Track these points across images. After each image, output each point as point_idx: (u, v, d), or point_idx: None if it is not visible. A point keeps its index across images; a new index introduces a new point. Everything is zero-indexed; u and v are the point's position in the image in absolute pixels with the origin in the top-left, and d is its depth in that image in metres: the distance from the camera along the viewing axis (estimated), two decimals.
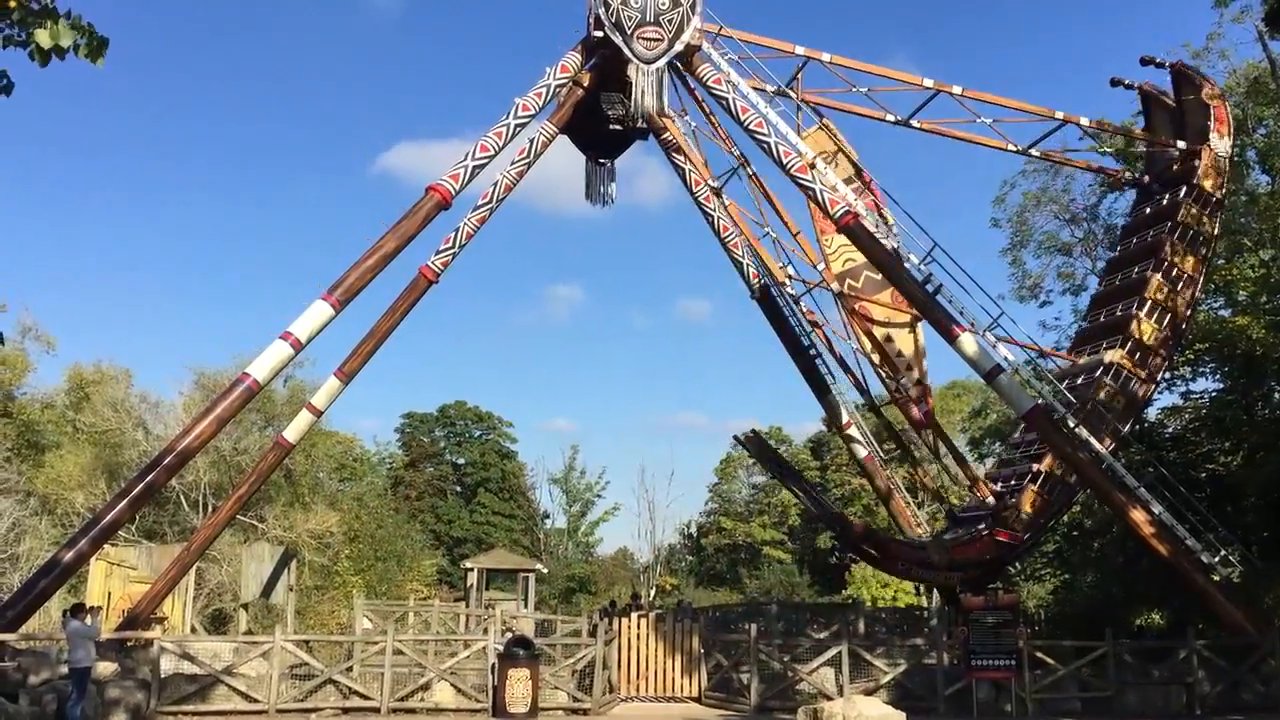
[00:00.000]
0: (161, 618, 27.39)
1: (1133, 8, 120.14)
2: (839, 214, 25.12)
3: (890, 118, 27.85)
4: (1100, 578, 34.03)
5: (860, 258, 27.88)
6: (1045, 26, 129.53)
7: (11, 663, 20.26)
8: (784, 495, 74.54)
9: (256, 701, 20.65)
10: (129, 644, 22.47)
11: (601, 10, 25.53)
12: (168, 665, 21.01)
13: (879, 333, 28.63)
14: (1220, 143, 28.39)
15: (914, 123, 28.00)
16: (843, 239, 27.29)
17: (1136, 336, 27.29)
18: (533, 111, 25.52)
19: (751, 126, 25.79)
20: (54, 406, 50.68)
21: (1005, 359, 25.29)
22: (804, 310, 29.98)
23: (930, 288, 25.16)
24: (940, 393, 61.27)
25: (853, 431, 32.06)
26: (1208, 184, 28.20)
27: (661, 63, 25.92)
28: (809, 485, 31.76)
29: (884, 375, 28.77)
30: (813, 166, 25.72)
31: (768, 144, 25.65)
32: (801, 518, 73.94)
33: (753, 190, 28.83)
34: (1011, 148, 28.22)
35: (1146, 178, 30.62)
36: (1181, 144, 29.06)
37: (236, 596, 34.52)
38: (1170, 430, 33.71)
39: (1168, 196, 29.21)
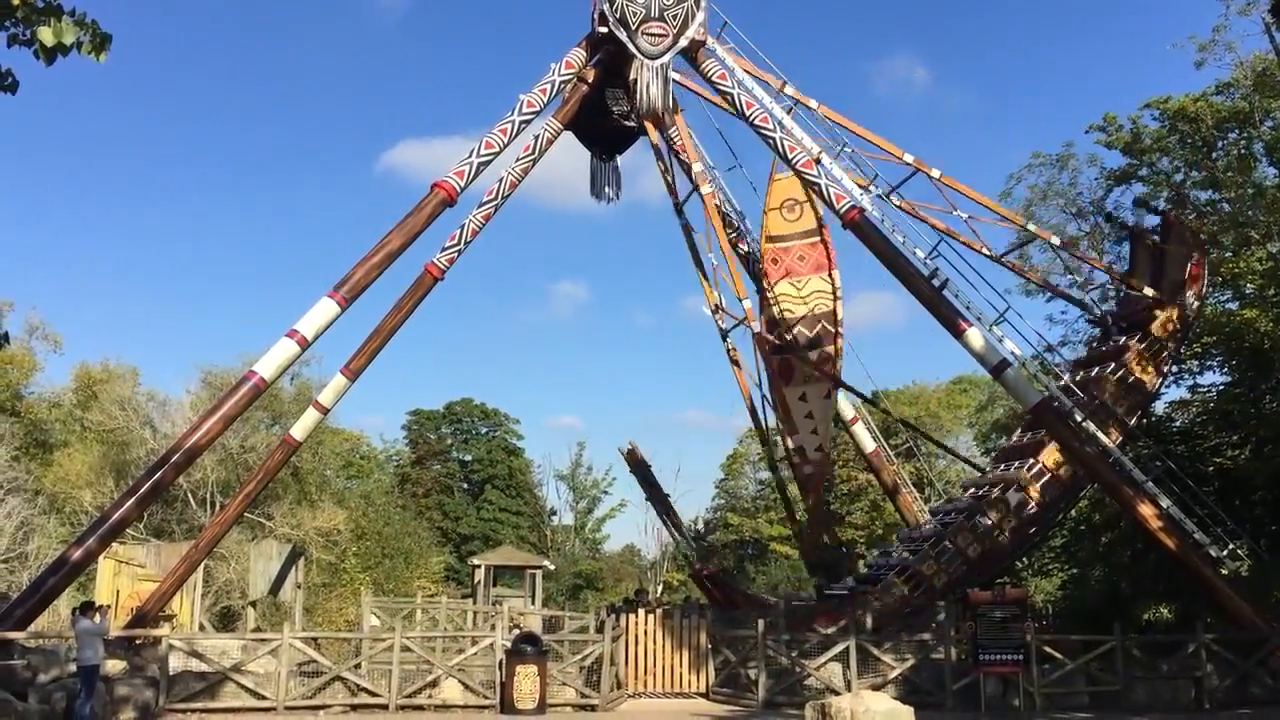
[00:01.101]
0: (170, 615, 27.45)
1: (1144, 2, 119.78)
2: (844, 209, 25.08)
3: (872, 189, 27.64)
4: (1108, 572, 33.96)
5: (796, 310, 28.14)
6: (1053, 22, 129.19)
7: (20, 661, 20.31)
8: (792, 491, 74.60)
9: (265, 699, 20.70)
10: (138, 641, 22.53)
11: (606, 6, 25.50)
12: (176, 663, 21.06)
13: (793, 391, 28.40)
14: (1192, 302, 27.67)
15: (892, 199, 27.86)
16: (786, 287, 27.34)
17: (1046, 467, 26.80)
18: (538, 108, 25.49)
19: (756, 122, 25.75)
20: (61, 405, 50.84)
21: (1012, 353, 25.24)
22: (729, 346, 30.60)
23: (936, 282, 25.11)
24: (946, 388, 61.30)
25: (859, 427, 32.02)
26: (1163, 334, 27.29)
27: (666, 58, 25.88)
28: (673, 512, 31.89)
29: (781, 430, 28.39)
30: (818, 162, 25.67)
31: (773, 139, 25.61)
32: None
33: (707, 213, 29.16)
34: (985, 251, 27.72)
35: (1110, 318, 30.04)
36: (1150, 292, 28.01)
37: (244, 594, 34.62)
38: (1178, 424, 33.63)
39: (1124, 338, 28.47)
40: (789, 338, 28.36)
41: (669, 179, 30.55)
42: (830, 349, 28.51)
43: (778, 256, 28.77)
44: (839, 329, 28.50)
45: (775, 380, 28.29)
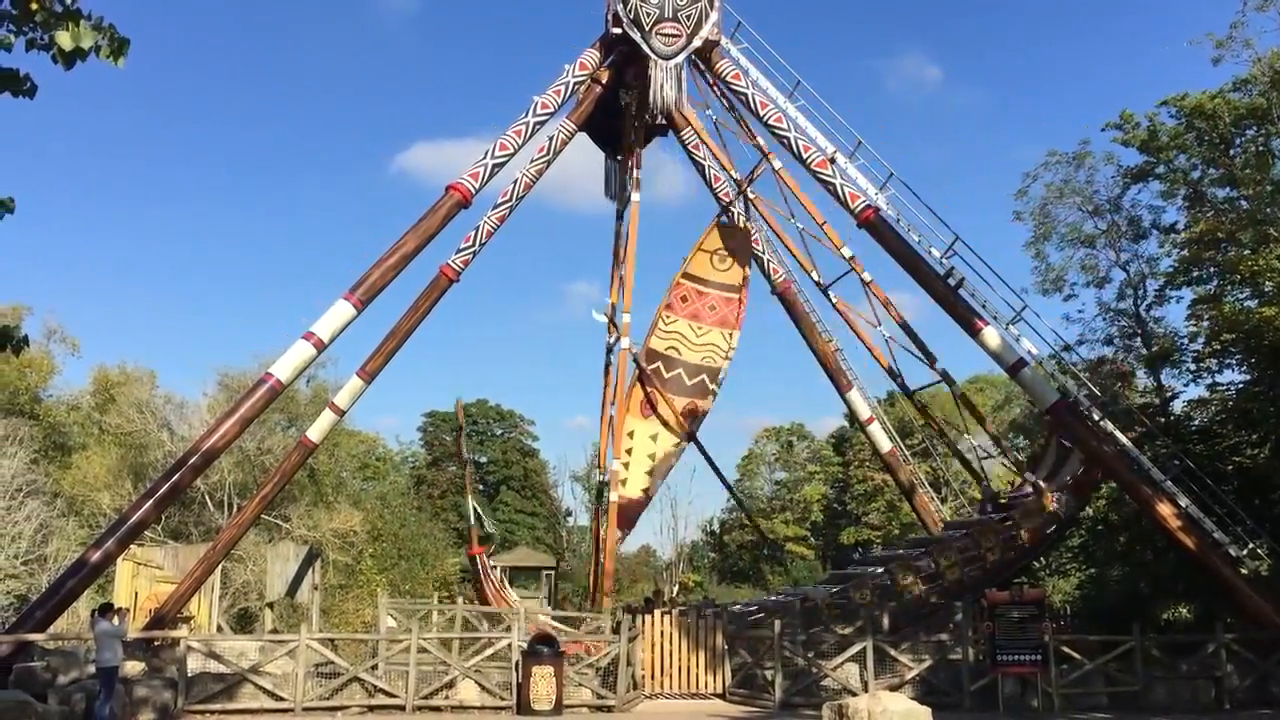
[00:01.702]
0: (188, 617, 27.57)
1: (1163, 3, 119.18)
2: (859, 208, 25.05)
3: (814, 277, 28.35)
4: (1127, 572, 33.78)
5: (683, 353, 28.14)
6: (1065, 20, 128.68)
7: (40, 662, 20.44)
8: (806, 491, 74.55)
9: (283, 700, 20.75)
10: (156, 643, 22.63)
11: (620, 7, 25.55)
12: (194, 664, 21.16)
13: (647, 426, 28.23)
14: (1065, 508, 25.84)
15: (830, 295, 28.04)
16: (685, 328, 27.74)
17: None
18: (552, 109, 25.56)
19: (771, 121, 25.77)
20: (79, 408, 51.09)
21: (1029, 352, 25.15)
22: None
23: (952, 281, 25.04)
24: (962, 387, 61.06)
25: (875, 427, 31.93)
26: (1024, 535, 25.58)
27: (680, 58, 25.93)
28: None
29: (618, 462, 27.93)
30: (832, 161, 25.64)
31: (787, 139, 25.64)
32: (824, 514, 73.84)
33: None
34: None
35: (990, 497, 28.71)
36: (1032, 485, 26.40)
37: (262, 595, 34.75)
38: (1196, 422, 33.41)
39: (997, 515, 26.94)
40: (665, 376, 28.17)
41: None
42: (702, 405, 28.51)
43: (689, 295, 28.34)
44: (717, 389, 28.57)
45: (633, 406, 27.98)
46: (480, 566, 28.37)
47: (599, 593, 27.12)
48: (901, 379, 30.47)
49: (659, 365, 28.13)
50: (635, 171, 28.54)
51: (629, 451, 27.68)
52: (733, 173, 29.19)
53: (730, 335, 28.40)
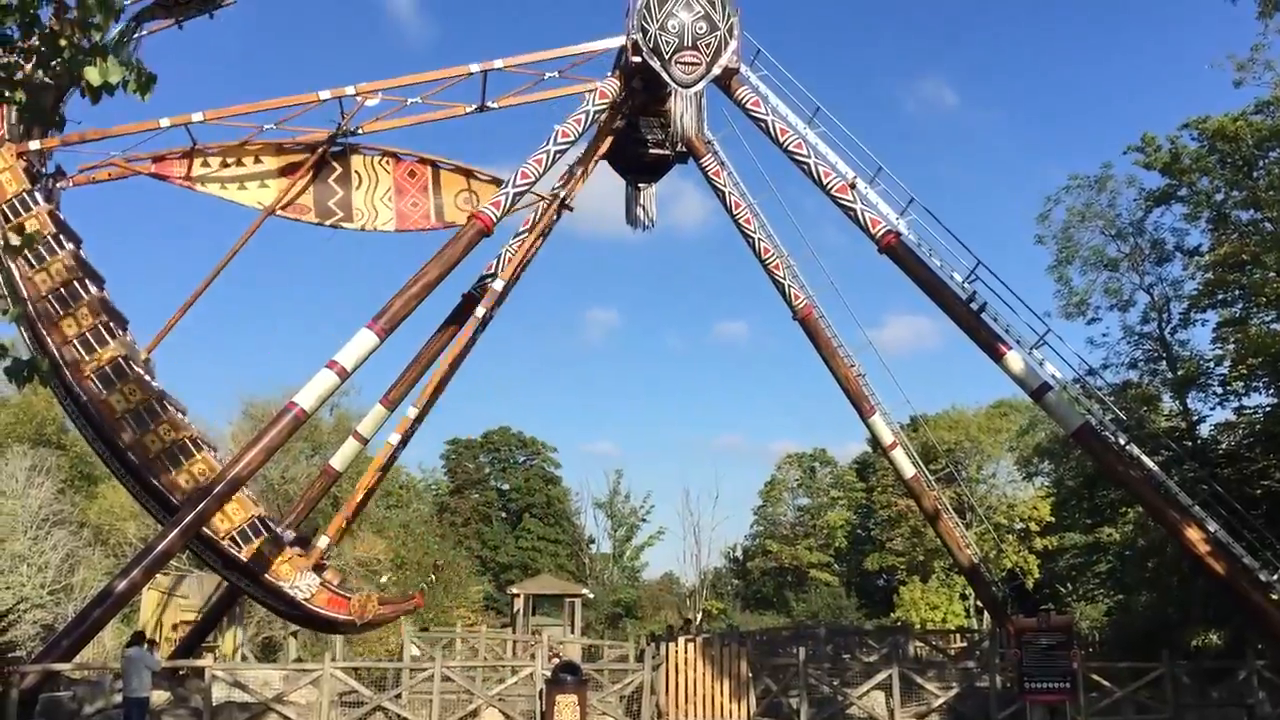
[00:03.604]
0: (213, 646, 27.64)
1: (1178, 23, 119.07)
2: (880, 234, 25.03)
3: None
4: (1155, 598, 33.46)
5: (359, 186, 27.47)
6: (1084, 42, 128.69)
7: (67, 692, 20.51)
8: (830, 517, 74.26)
9: None
10: (181, 672, 22.68)
11: (639, 36, 25.71)
12: (219, 693, 21.18)
13: (271, 183, 27.14)
14: None
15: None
16: (384, 178, 27.47)
17: None
18: (572, 138, 25.66)
19: (790, 148, 25.81)
20: None
21: (1053, 376, 25.01)
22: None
23: (974, 305, 24.96)
24: (986, 412, 60.82)
25: (898, 452, 31.74)
26: None
27: (700, 86, 26.05)
28: None
29: None
30: (853, 187, 25.66)
31: (807, 165, 25.66)
32: (848, 540, 73.48)
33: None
34: None
35: None
36: None
37: (286, 624, 34.76)
38: (1224, 446, 33.14)
39: None
40: (329, 179, 27.47)
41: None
42: (307, 215, 27.53)
43: (417, 173, 28.14)
44: (316, 222, 27.49)
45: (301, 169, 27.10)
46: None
47: None
48: None
49: (339, 169, 27.53)
50: (591, 165, 28.36)
51: (241, 161, 26.81)
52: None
53: (388, 225, 27.71)
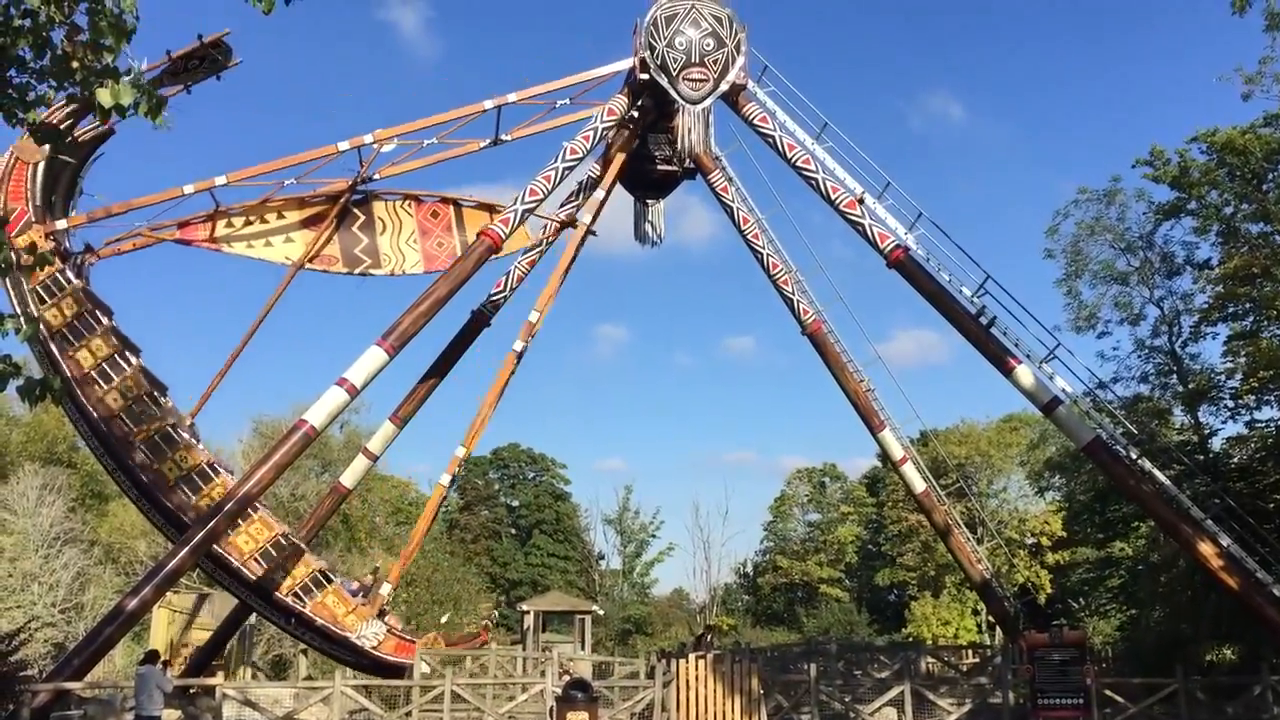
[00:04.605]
0: (223, 664, 27.61)
1: (1186, 37, 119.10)
2: (889, 249, 25.06)
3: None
4: (1168, 613, 33.24)
5: (383, 233, 27.85)
6: (1091, 59, 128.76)
7: (78, 711, 20.52)
8: (840, 533, 74.05)
9: None
10: (192, 691, 22.67)
11: (647, 53, 25.81)
12: (230, 712, 21.15)
13: (299, 236, 27.47)
14: None
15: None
16: (407, 220, 27.85)
17: None
18: (581, 154, 25.73)
19: (798, 163, 25.88)
20: None
21: (1063, 390, 24.95)
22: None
23: (984, 320, 24.94)
24: (996, 426, 60.66)
25: (908, 467, 31.67)
26: None
27: (707, 103, 26.15)
28: None
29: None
30: (861, 202, 25.69)
31: (815, 180, 25.73)
32: (859, 555, 73.24)
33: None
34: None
35: None
36: None
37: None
38: (1236, 460, 32.98)
39: None
40: (352, 227, 27.83)
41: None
42: (327, 262, 27.83)
43: (440, 214, 28.57)
44: (357, 273, 27.92)
45: (309, 217, 27.57)
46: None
47: None
48: None
49: (361, 217, 27.89)
50: (599, 192, 28.62)
51: (264, 219, 27.06)
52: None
53: (416, 267, 28.09)
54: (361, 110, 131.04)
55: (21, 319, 7.58)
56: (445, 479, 28.56)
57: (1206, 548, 23.26)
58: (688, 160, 27.57)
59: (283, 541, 24.55)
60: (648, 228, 30.09)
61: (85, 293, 24.21)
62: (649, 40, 25.92)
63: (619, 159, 27.78)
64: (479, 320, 28.68)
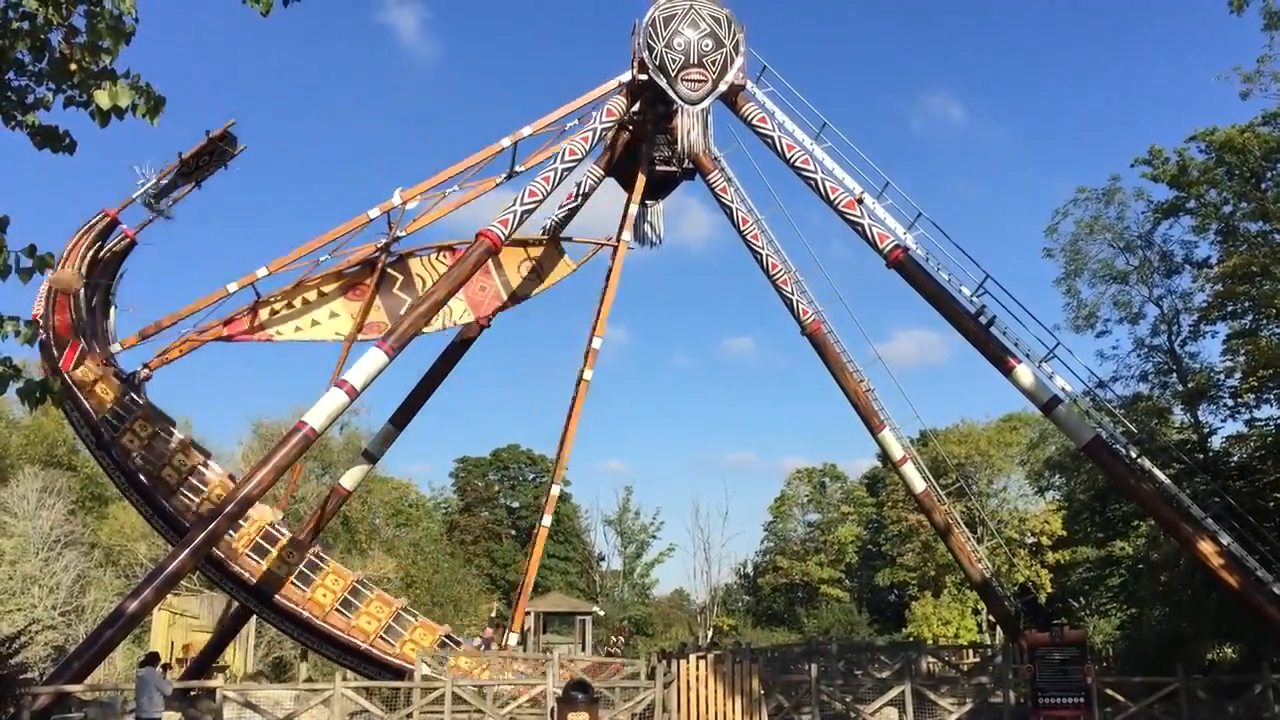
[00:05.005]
0: (224, 666, 27.60)
1: (1185, 36, 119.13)
2: (888, 249, 25.05)
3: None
4: (1169, 612, 33.23)
5: (421, 290, 27.74)
6: (1090, 59, 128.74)
7: (78, 714, 20.50)
8: (840, 533, 74.03)
9: None
10: (193, 693, 22.66)
11: (646, 54, 25.81)
12: (231, 714, 21.15)
13: (340, 307, 27.68)
14: None
15: None
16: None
17: None
18: (579, 155, 25.73)
19: (797, 164, 25.87)
20: None
21: (1062, 389, 24.95)
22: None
23: (983, 319, 24.93)
24: (996, 426, 60.66)
25: (908, 467, 31.66)
26: None
27: (706, 103, 26.16)
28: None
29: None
30: (860, 202, 25.68)
31: (814, 180, 25.71)
32: (859, 555, 73.22)
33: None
34: None
35: None
36: None
37: (297, 644, 34.72)
38: (1235, 459, 32.97)
39: None
40: (393, 289, 27.90)
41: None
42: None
43: None
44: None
45: (352, 286, 27.82)
46: None
47: None
48: None
49: (400, 278, 28.04)
50: (630, 208, 28.89)
51: (306, 300, 27.33)
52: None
53: (466, 315, 28.43)
54: (359, 110, 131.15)
55: (21, 322, 7.54)
56: (547, 520, 29.22)
57: (1206, 546, 23.26)
58: (686, 161, 27.58)
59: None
60: (647, 228, 30.11)
61: (153, 410, 24.88)
62: (647, 41, 25.92)
63: (640, 181, 28.48)
64: (478, 322, 28.73)
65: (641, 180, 28.31)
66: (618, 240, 29.29)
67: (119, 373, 24.43)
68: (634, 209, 28.56)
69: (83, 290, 24.08)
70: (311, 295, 27.23)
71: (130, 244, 24.93)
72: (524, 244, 28.59)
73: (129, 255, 25.51)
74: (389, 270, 27.53)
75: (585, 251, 29.77)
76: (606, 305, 28.92)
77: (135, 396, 24.26)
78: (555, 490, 28.99)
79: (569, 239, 29.41)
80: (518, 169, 26.50)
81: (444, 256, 28.21)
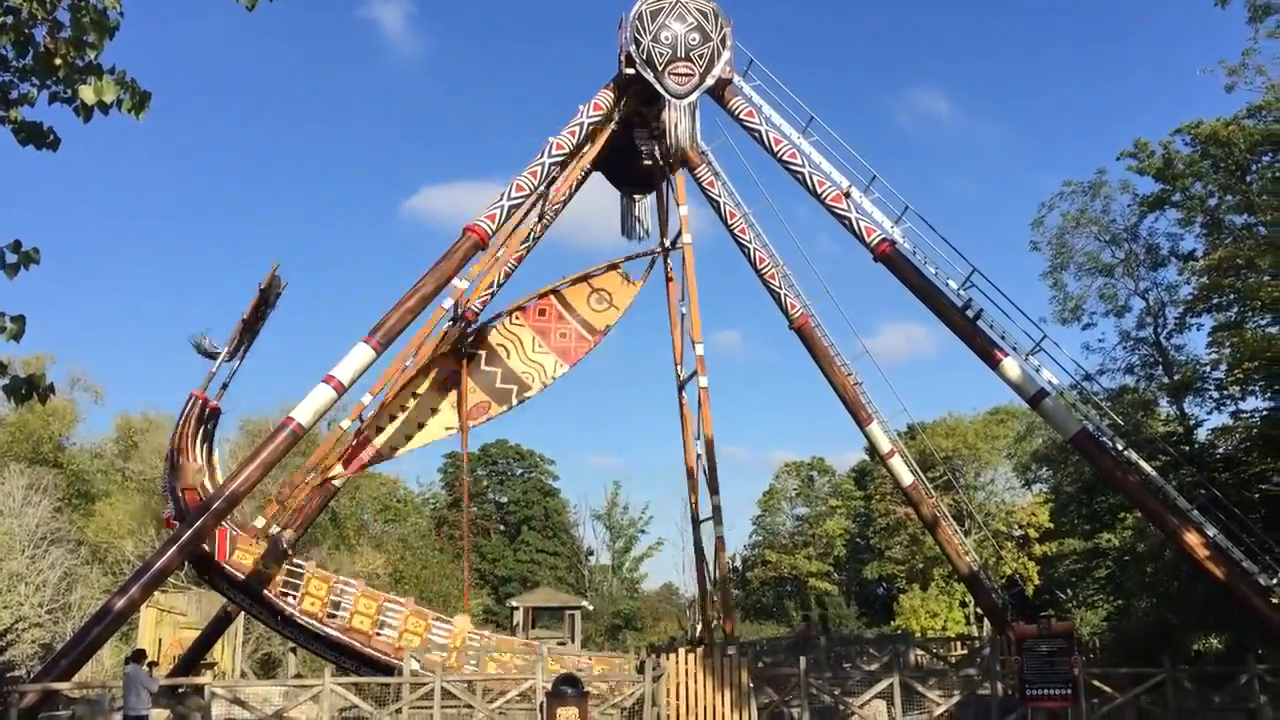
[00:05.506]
0: (212, 663, 27.52)
1: (1170, 29, 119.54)
2: (875, 243, 25.08)
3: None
4: (1155, 603, 33.44)
5: (510, 357, 28.45)
6: (1075, 52, 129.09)
7: (66, 712, 20.44)
8: (828, 526, 74.16)
9: None
10: (181, 690, 22.60)
11: (633, 48, 25.76)
12: (219, 711, 21.08)
13: (433, 401, 28.18)
14: None
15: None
16: (526, 335, 28.52)
17: None
18: (566, 149, 25.70)
19: (785, 157, 25.86)
20: (103, 455, 51.38)
21: (1049, 382, 25.03)
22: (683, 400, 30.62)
23: (970, 313, 24.98)
24: (983, 419, 60.86)
25: (896, 460, 31.73)
26: None
27: (693, 97, 26.11)
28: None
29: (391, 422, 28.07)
30: (847, 196, 25.70)
31: (801, 174, 25.70)
32: (847, 548, 73.40)
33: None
34: None
35: None
36: None
37: (285, 639, 34.65)
38: (1221, 450, 33.16)
39: None
40: (481, 366, 28.38)
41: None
42: (494, 409, 28.56)
43: (548, 312, 28.96)
44: (515, 404, 28.66)
45: (435, 376, 27.99)
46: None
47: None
48: None
49: (483, 354, 28.38)
50: (681, 208, 29.18)
51: (404, 408, 27.70)
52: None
53: (560, 367, 28.75)
54: (355, 110, 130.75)
55: (7, 318, 7.50)
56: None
57: (1192, 538, 23.38)
58: (674, 155, 27.54)
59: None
60: (634, 223, 30.08)
61: (323, 570, 25.18)
62: (634, 34, 25.87)
63: (681, 181, 28.95)
64: (464, 318, 28.67)
65: (681, 180, 28.80)
66: (672, 246, 29.81)
67: (266, 535, 24.11)
68: (684, 210, 28.94)
69: (205, 480, 23.87)
70: (410, 401, 27.59)
71: (215, 410, 24.83)
72: (586, 278, 28.98)
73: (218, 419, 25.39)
74: (471, 351, 27.97)
75: (643, 266, 30.14)
76: (694, 309, 29.00)
77: (292, 556, 24.10)
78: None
79: (629, 257, 29.89)
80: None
81: (517, 317, 28.72)
